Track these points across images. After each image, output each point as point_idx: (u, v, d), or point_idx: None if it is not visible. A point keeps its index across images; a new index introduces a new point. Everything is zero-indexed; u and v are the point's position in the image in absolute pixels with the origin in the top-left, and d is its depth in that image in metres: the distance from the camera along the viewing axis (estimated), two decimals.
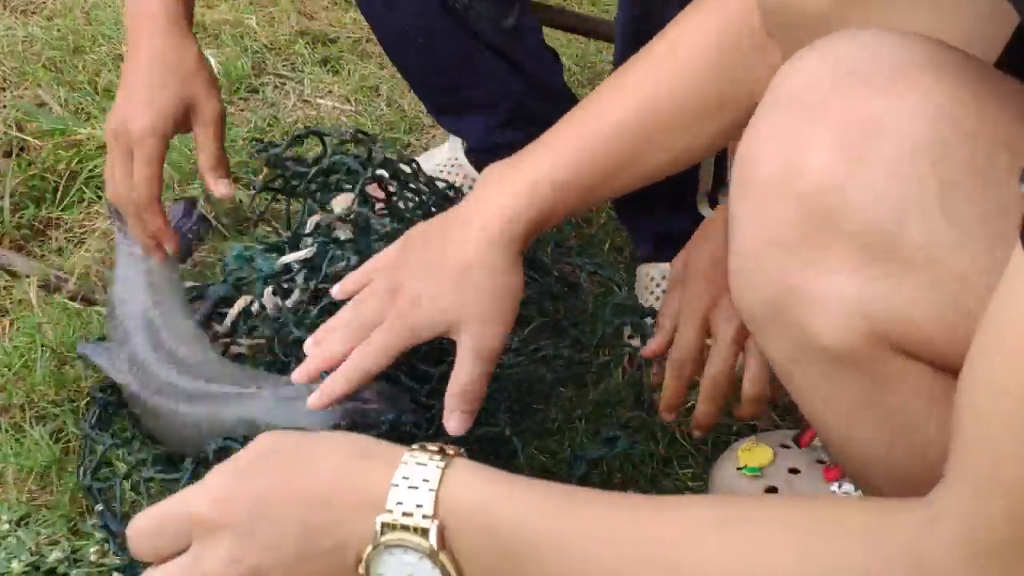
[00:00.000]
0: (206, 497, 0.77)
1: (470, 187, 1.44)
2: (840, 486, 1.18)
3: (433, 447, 0.77)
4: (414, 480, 0.74)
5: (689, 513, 0.75)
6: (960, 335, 0.76)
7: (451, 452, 0.77)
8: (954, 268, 0.75)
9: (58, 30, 2.14)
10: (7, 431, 1.39)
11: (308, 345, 1.11)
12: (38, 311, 1.55)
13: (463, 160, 1.72)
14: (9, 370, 1.47)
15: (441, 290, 1.06)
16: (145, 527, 0.79)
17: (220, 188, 1.34)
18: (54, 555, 1.24)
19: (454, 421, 1.06)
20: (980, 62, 0.80)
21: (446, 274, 1.06)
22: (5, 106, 1.96)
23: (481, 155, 1.66)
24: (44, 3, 2.23)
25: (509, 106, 1.61)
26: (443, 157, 1.75)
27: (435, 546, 0.73)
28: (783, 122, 0.81)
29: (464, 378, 1.06)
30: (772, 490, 1.21)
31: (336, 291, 1.12)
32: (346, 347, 1.08)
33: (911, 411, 0.80)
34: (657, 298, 1.52)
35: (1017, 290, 0.63)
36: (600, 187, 1.07)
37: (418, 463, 0.75)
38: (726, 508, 0.76)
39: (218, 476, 0.79)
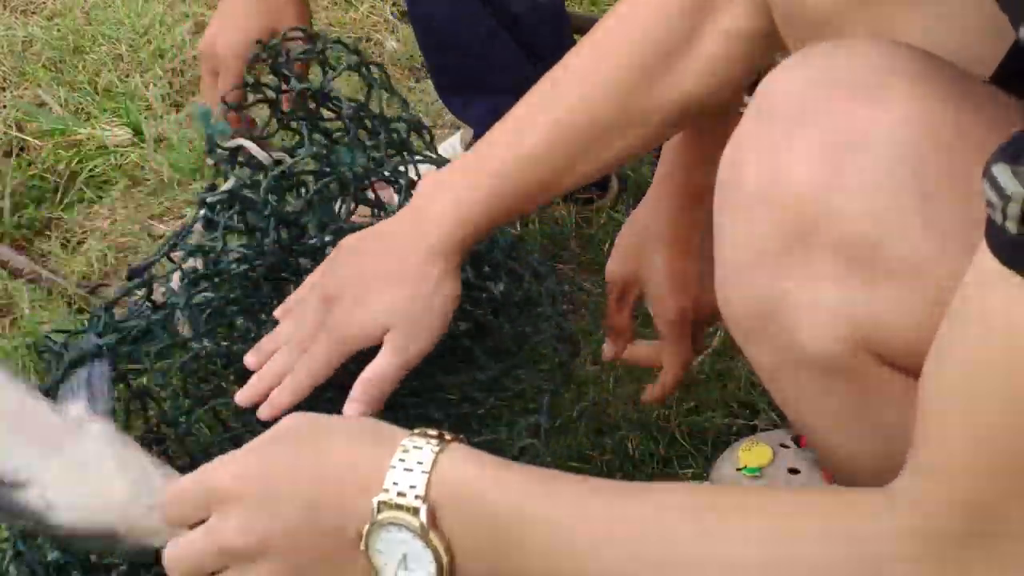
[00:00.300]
0: (225, 471, 0.82)
1: None
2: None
3: (433, 433, 0.80)
4: (409, 463, 0.77)
5: (661, 498, 0.77)
6: None
7: (448, 438, 0.79)
8: (936, 277, 0.76)
9: (58, 30, 2.14)
10: None
11: (249, 362, 1.12)
12: (34, 312, 1.56)
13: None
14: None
15: (373, 298, 1.07)
16: (175, 495, 0.84)
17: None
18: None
19: (352, 407, 1.07)
20: (960, 71, 0.81)
21: (379, 282, 1.08)
22: (5, 106, 1.96)
23: None
24: (44, 3, 2.24)
25: (519, 93, 1.62)
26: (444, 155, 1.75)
27: (425, 525, 0.76)
28: (766, 133, 0.82)
29: (376, 370, 1.07)
30: None
31: (278, 312, 1.14)
32: (288, 365, 1.09)
33: (903, 417, 0.81)
34: None
35: (978, 292, 0.64)
36: (537, 195, 1.10)
37: (415, 447, 0.78)
38: (699, 495, 0.79)
39: (240, 453, 0.84)
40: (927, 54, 0.80)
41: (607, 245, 1.63)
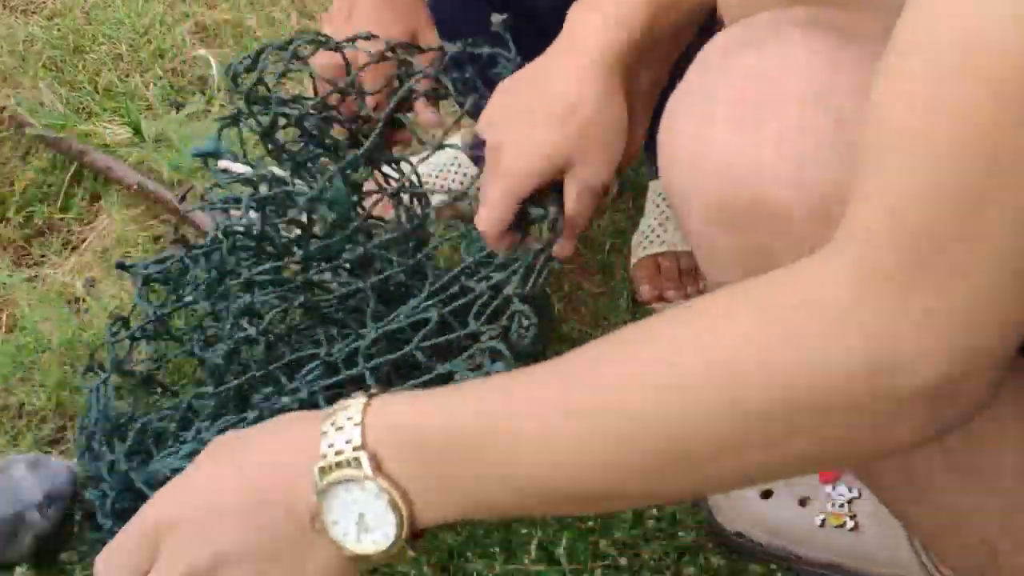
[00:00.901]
0: (158, 502, 0.79)
1: (470, 186, 1.44)
2: (835, 488, 1.18)
3: (358, 394, 0.77)
4: (340, 421, 0.75)
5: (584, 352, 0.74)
6: None
7: (374, 391, 0.77)
8: None
9: (58, 30, 2.14)
10: (6, 432, 1.40)
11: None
12: (32, 310, 1.56)
13: (463, 159, 1.72)
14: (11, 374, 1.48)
15: (543, 134, 1.06)
16: (106, 558, 0.79)
17: (429, 115, 1.38)
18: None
19: (558, 246, 1.11)
20: (855, 15, 0.82)
21: (545, 116, 1.06)
22: (5, 107, 1.96)
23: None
24: (44, 3, 2.24)
25: None
26: (446, 156, 1.75)
27: (370, 472, 0.73)
28: (693, 100, 0.83)
29: (572, 214, 1.09)
30: (767, 493, 1.21)
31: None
32: None
33: None
34: (662, 212, 1.60)
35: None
36: None
37: (341, 408, 0.76)
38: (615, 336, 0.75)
39: (162, 489, 0.81)
40: (820, 7, 0.82)
41: (607, 247, 1.64)
